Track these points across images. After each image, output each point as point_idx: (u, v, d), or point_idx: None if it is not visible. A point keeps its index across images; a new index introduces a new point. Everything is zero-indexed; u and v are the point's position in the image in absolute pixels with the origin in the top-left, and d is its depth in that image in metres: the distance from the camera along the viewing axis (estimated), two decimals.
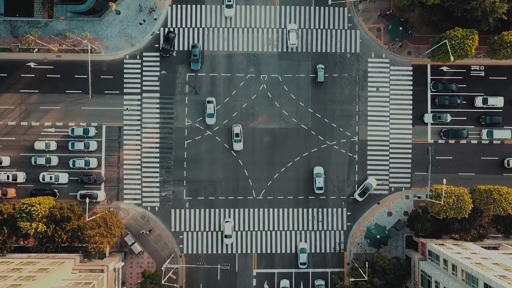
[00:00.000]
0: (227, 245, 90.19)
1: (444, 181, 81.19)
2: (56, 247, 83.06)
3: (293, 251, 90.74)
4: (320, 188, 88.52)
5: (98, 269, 79.90)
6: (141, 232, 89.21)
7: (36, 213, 78.06)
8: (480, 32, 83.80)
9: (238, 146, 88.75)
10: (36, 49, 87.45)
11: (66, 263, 78.07)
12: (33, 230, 78.88)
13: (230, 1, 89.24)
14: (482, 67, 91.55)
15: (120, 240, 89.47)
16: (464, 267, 70.02)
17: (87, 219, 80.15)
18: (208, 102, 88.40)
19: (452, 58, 79.39)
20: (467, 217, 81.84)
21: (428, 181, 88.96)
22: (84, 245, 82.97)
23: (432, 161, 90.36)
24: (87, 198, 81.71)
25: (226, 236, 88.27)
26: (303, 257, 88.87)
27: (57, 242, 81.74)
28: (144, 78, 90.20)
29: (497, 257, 74.11)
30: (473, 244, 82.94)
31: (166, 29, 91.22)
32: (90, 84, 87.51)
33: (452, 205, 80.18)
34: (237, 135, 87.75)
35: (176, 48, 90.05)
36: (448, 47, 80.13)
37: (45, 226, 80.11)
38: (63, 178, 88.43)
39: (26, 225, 78.59)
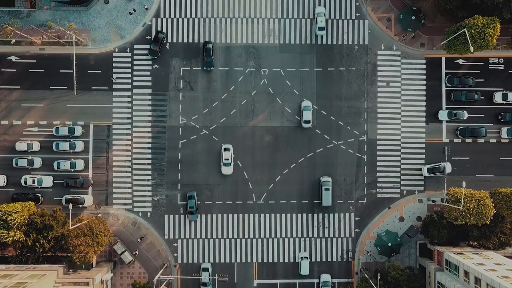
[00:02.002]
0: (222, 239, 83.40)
1: (464, 184, 74.52)
2: (37, 257, 76.37)
3: (297, 260, 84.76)
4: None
5: (83, 281, 73.41)
6: (136, 240, 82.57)
7: (12, 222, 71.27)
8: (500, 21, 76.81)
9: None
10: (13, 41, 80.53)
11: (48, 275, 71.21)
12: (10, 239, 72.16)
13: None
14: (501, 60, 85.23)
15: (109, 249, 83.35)
16: (490, 281, 62.99)
17: (70, 227, 73.25)
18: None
19: (472, 49, 72.87)
20: (488, 223, 74.88)
21: (444, 183, 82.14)
22: (69, 254, 76.29)
23: (448, 161, 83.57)
24: (70, 204, 74.91)
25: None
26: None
27: (38, 252, 74.91)
28: (135, 73, 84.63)
29: None
30: (494, 253, 76.28)
31: (160, 21, 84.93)
32: (75, 78, 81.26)
33: (472, 210, 73.36)
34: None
35: (166, 46, 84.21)
36: (468, 36, 73.21)
37: (23, 235, 73.32)
38: (47, 181, 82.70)
39: (3, 233, 71.87)
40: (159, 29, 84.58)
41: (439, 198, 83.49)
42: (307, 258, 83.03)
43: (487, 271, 65.34)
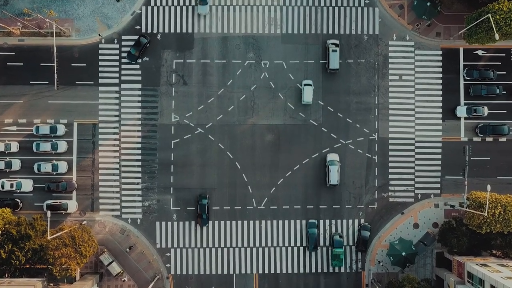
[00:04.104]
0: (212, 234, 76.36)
1: (489, 187, 67.57)
2: (14, 270, 69.33)
3: (301, 271, 78.27)
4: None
5: None
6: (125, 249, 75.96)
7: None
8: None
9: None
10: None
11: None
12: None
13: None
14: None
15: (95, 260, 76.95)
16: None
17: (49, 237, 66.31)
18: None
19: (497, 36, 66.08)
20: None
21: (464, 186, 75.76)
22: (49, 267, 69.53)
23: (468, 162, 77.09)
24: (49, 212, 67.92)
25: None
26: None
27: (14, 265, 67.78)
28: (123, 66, 78.47)
29: None
30: None
31: (151, 10, 78.11)
32: (56, 72, 75.35)
33: (498, 217, 66.29)
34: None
35: (145, 57, 78.20)
36: (492, 23, 66.09)
37: None
38: (27, 185, 76.56)
39: None
40: (146, 27, 78.52)
41: (458, 203, 76.79)
42: (310, 85, 77.33)
43: None
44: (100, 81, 78.04)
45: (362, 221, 77.71)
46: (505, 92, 78.63)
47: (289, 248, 78.18)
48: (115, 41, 78.34)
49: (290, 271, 78.00)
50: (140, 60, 77.77)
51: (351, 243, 78.20)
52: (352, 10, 79.06)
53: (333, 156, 77.38)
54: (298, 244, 78.15)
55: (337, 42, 77.61)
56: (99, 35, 75.30)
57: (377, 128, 78.73)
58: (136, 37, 77.50)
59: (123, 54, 77.95)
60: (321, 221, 78.08)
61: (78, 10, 78.26)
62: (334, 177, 76.27)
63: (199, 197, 76.96)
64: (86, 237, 71.26)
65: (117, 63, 78.13)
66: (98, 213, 77.58)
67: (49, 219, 68.13)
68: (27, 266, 71.48)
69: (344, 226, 78.24)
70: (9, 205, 75.29)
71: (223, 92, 78.57)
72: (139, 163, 78.00)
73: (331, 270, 77.93)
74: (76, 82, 77.87)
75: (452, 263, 74.30)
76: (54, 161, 77.00)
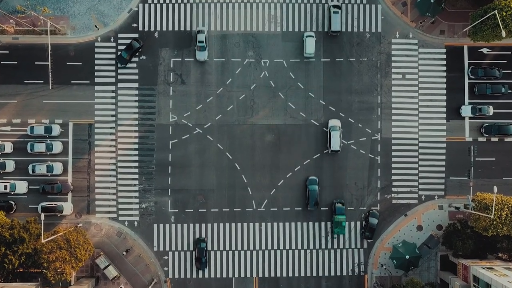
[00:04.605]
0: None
1: (495, 189, 65.63)
2: (7, 274, 67.52)
3: (302, 274, 76.40)
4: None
5: None
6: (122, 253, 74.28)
7: None
8: None
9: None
10: None
11: None
12: None
13: (202, 42, 74.80)
14: None
15: (91, 263, 75.05)
16: None
17: (43, 240, 64.52)
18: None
19: (503, 33, 64.28)
20: None
21: (469, 188, 73.90)
22: (43, 271, 67.72)
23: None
24: (42, 215, 66.20)
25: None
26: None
27: (7, 269, 65.98)
28: (119, 65, 76.46)
29: None
30: None
31: (148, 7, 76.24)
32: (50, 70, 73.09)
33: (505, 219, 64.43)
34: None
35: (136, 58, 76.50)
36: (499, 20, 64.21)
37: None
38: (21, 187, 74.75)
39: None
40: (144, 24, 76.79)
41: (462, 204, 74.86)
42: (313, 36, 75.75)
43: None
44: (96, 80, 76.28)
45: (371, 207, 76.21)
46: (510, 91, 76.84)
47: (290, 251, 76.33)
48: (112, 39, 76.52)
49: (290, 274, 76.19)
50: (131, 64, 76.10)
51: (353, 245, 76.39)
52: (354, 8, 77.25)
53: (334, 122, 75.45)
54: (299, 247, 76.30)
55: (339, 4, 75.56)
56: (96, 26, 73.53)
57: (379, 128, 76.90)
58: (129, 40, 75.84)
59: (120, 53, 75.97)
60: (322, 223, 76.34)
61: (73, 7, 76.50)
62: (336, 143, 74.40)
63: (197, 241, 75.12)
64: (82, 240, 69.47)
65: (113, 62, 76.39)
66: (94, 216, 75.78)
67: (43, 221, 66.36)
68: (21, 270, 69.84)
69: (346, 228, 76.27)
70: (3, 207, 73.67)
71: (222, 91, 76.77)
72: (136, 164, 76.20)
73: (332, 273, 76.12)
74: (72, 81, 76.11)
75: (457, 267, 72.41)
76: (49, 162, 75.24)
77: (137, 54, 75.60)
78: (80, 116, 76.11)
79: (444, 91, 77.11)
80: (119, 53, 75.46)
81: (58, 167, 74.90)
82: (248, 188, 76.46)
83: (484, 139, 76.86)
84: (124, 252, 75.29)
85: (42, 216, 65.79)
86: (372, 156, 76.79)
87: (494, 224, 65.54)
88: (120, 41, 76.41)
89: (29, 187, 75.10)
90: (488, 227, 66.00)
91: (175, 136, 76.54)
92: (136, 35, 76.20)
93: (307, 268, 76.22)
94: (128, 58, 75.02)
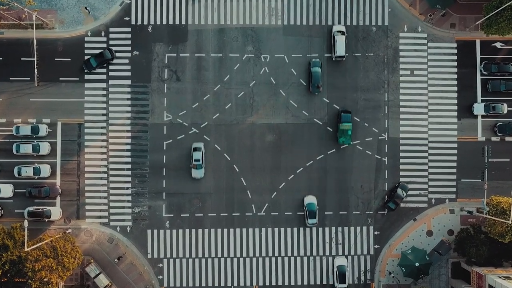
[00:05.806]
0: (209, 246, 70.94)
1: None
2: None
3: (305, 282, 73.66)
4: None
5: None
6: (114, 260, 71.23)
7: None
8: None
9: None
10: None
11: None
12: None
13: (199, 160, 72.09)
14: None
15: (81, 271, 72.27)
16: None
17: (26, 248, 61.34)
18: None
19: None
20: None
21: (483, 191, 71.09)
22: (27, 281, 64.67)
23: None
24: (26, 221, 62.81)
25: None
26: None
27: None
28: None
29: None
30: None
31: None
32: (36, 66, 70.34)
33: None
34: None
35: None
36: None
37: None
38: (6, 190, 72.31)
39: None
40: (136, 18, 73.55)
41: (475, 208, 71.95)
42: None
43: None
44: (86, 77, 73.61)
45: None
46: None
47: (292, 258, 73.54)
48: (103, 34, 73.79)
49: (292, 283, 73.52)
50: (123, 60, 73.25)
51: (359, 251, 73.20)
52: (360, 0, 74.54)
53: (339, 27, 72.70)
54: (302, 253, 73.39)
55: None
56: (86, 8, 70.50)
57: (387, 128, 74.13)
58: (123, 29, 73.05)
59: (111, 48, 73.01)
60: (327, 228, 73.20)
61: (62, 0, 73.64)
62: (340, 48, 71.54)
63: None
64: (69, 248, 66.45)
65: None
66: (84, 221, 73.20)
67: (26, 228, 63.04)
68: (4, 279, 66.70)
69: (351, 233, 73.26)
70: None
71: (220, 88, 74.09)
72: (129, 166, 73.78)
73: (337, 282, 72.86)
74: (60, 78, 73.56)
75: (470, 275, 68.90)
76: (36, 164, 72.71)
77: (105, 65, 72.76)
78: (69, 115, 73.65)
79: (455, 88, 74.48)
80: (86, 57, 72.80)
81: (45, 170, 72.47)
82: (248, 191, 73.89)
83: (498, 139, 73.99)
84: (116, 260, 72.82)
85: (26, 222, 62.41)
86: (379, 157, 73.99)
87: (511, 230, 62.02)
88: (111, 35, 73.64)
89: (15, 190, 72.64)
90: (506, 233, 62.86)
91: (169, 136, 73.97)
92: (128, 35, 73.24)
93: (310, 276, 73.54)
94: (95, 67, 72.57)
